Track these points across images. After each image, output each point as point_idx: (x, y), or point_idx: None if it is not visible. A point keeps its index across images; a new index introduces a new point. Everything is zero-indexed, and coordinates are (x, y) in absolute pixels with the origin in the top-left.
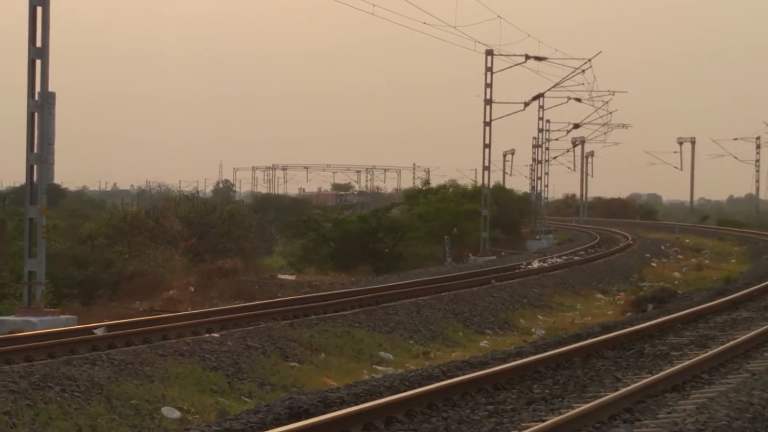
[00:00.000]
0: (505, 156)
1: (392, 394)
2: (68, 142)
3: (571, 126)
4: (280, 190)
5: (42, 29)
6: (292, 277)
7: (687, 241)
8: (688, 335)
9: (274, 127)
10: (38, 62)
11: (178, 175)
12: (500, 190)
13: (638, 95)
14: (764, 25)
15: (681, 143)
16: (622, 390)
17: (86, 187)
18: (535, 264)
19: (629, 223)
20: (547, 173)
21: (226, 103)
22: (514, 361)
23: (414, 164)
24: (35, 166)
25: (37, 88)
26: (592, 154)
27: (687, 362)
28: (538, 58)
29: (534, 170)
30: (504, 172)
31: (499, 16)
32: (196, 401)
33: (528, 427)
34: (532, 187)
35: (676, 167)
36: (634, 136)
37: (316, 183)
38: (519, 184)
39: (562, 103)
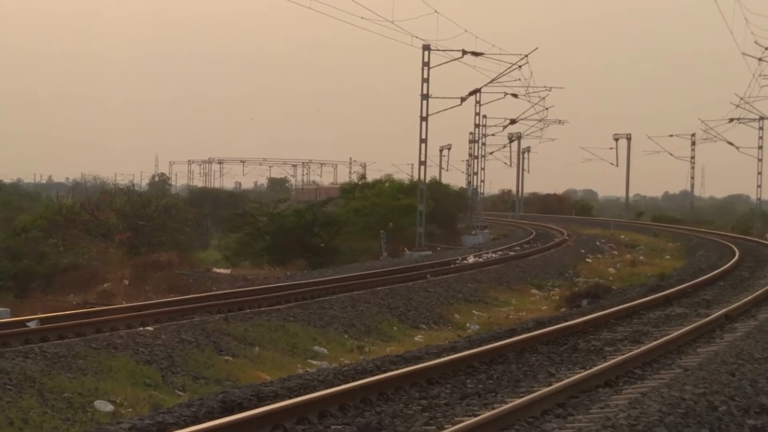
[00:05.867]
0: (441, 151)
1: (326, 388)
2: (2, 135)
3: (508, 121)
4: (216, 184)
5: None
6: (227, 271)
7: (622, 237)
8: (621, 331)
9: (210, 121)
10: None
11: (113, 168)
12: (436, 185)
13: (575, 91)
14: (701, 27)
15: (617, 139)
16: (555, 385)
17: (21, 180)
18: (471, 259)
19: (565, 218)
20: (483, 168)
21: (162, 99)
22: (449, 355)
23: (350, 158)
24: None
25: None
26: (528, 149)
27: (620, 357)
28: (475, 54)
29: (470, 165)
30: (440, 167)
31: (436, 11)
32: (129, 395)
33: (461, 422)
34: (469, 183)
35: (611, 163)
36: (571, 132)
37: (252, 177)
38: (455, 179)
39: (499, 99)
